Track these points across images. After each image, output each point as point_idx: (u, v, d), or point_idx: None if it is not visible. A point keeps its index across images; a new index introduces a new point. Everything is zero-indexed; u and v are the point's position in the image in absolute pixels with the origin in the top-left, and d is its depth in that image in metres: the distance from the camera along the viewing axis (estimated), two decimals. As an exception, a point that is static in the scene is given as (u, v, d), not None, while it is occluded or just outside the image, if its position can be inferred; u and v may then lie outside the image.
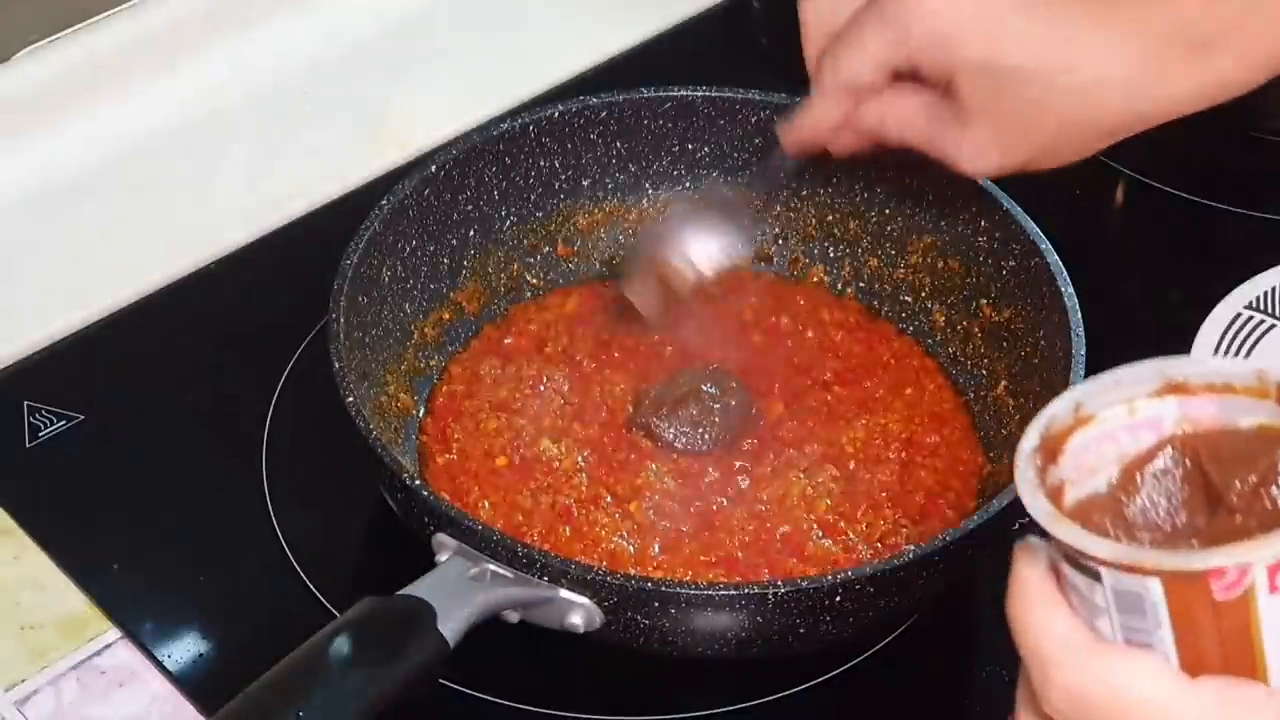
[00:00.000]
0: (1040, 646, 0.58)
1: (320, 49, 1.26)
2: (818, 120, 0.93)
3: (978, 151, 0.88)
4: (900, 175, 1.05)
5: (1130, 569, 0.56)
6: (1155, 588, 0.56)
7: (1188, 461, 0.60)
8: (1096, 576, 0.57)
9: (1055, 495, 0.60)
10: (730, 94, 1.06)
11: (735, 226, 1.01)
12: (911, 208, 1.05)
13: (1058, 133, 0.86)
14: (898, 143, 0.92)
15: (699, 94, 1.06)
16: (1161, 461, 0.61)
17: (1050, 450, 0.60)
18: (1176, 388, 0.61)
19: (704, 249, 1.01)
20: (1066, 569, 0.59)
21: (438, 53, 1.28)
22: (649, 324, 1.01)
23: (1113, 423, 0.61)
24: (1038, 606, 0.59)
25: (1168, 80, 0.83)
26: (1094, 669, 0.57)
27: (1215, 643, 0.57)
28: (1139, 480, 0.61)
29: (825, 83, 0.91)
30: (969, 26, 0.84)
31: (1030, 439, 0.60)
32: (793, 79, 0.96)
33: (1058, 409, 0.61)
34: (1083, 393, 0.61)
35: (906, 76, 0.90)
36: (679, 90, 1.06)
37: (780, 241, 1.09)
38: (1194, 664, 0.57)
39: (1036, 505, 0.58)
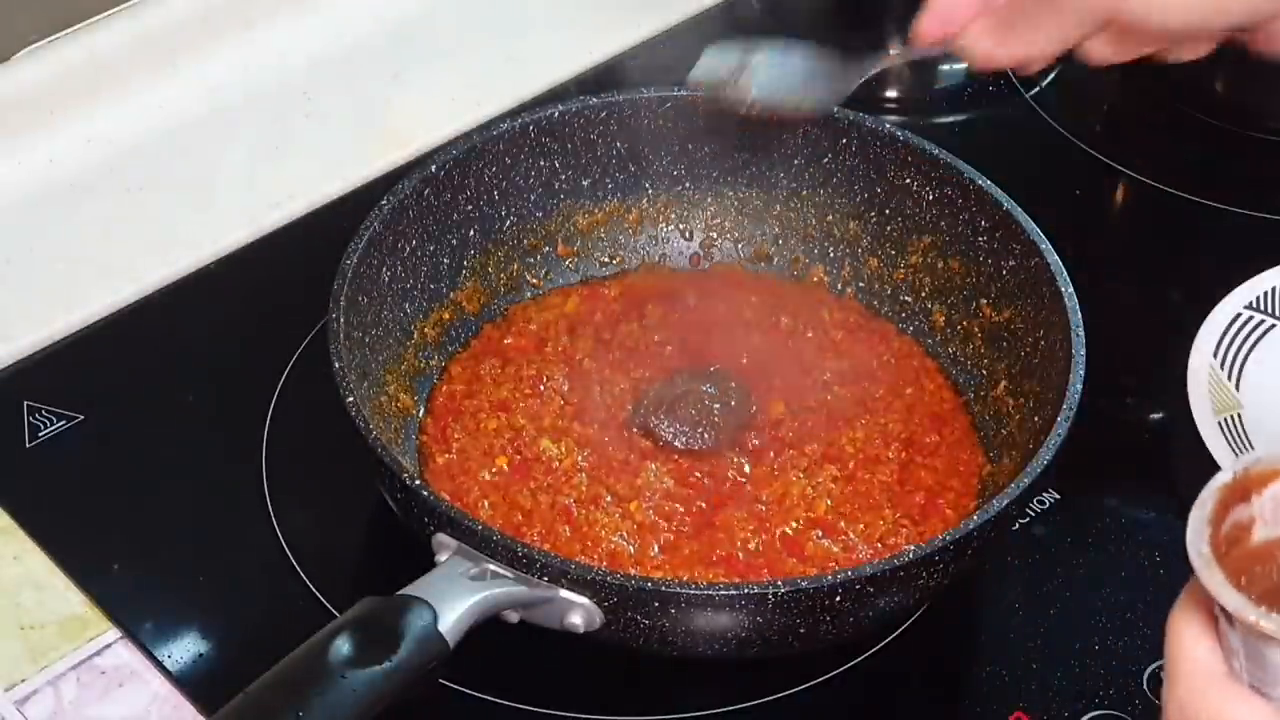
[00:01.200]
0: (1177, 661, 0.63)
1: (320, 49, 1.26)
2: None
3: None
4: (900, 175, 1.05)
5: (1251, 629, 0.59)
6: (1277, 652, 0.60)
7: None
8: (1230, 622, 0.61)
9: (1238, 531, 0.62)
10: (730, 94, 1.06)
11: (812, 77, 1.00)
12: (911, 208, 1.05)
13: None
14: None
15: (699, 94, 1.06)
16: None
17: (1244, 488, 0.62)
18: None
19: (770, 81, 1.00)
20: (1215, 604, 0.62)
21: (438, 53, 1.27)
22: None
23: None
24: (1191, 625, 0.63)
25: None
26: (1211, 699, 0.62)
27: None
28: None
29: None
30: None
31: (1224, 475, 0.62)
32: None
33: (1267, 452, 0.63)
34: None
35: None
36: (679, 90, 1.06)
37: (780, 241, 1.09)
38: None
39: (1195, 545, 0.61)
